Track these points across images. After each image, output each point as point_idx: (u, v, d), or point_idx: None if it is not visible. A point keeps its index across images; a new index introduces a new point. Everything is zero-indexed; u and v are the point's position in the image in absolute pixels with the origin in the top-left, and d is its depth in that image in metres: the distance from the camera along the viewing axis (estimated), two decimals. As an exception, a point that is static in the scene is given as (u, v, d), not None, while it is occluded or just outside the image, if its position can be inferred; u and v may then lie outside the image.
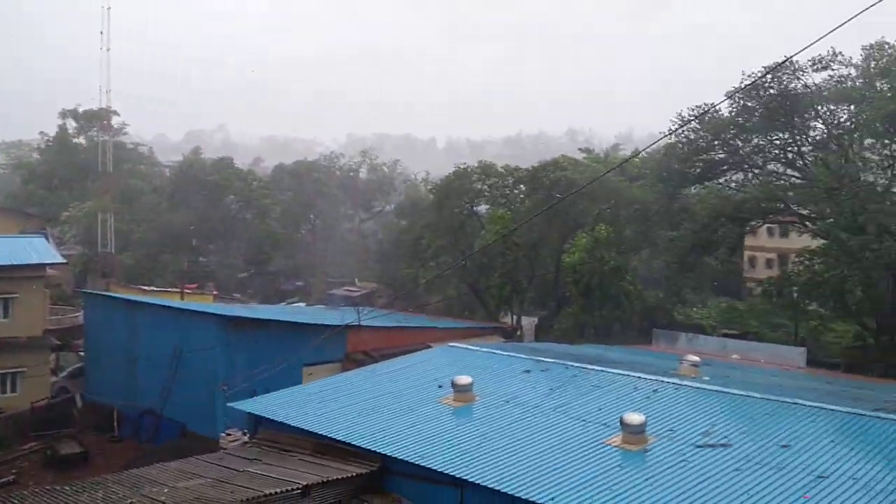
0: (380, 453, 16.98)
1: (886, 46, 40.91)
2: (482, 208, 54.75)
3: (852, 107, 42.14)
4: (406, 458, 16.43)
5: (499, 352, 25.89)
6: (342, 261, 71.69)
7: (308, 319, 35.05)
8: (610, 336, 43.65)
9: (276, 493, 15.15)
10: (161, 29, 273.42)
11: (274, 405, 20.89)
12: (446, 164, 77.62)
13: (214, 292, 58.27)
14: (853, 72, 42.26)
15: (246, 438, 21.75)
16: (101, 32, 62.48)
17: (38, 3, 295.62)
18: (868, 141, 42.30)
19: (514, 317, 48.30)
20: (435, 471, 15.79)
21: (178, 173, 74.48)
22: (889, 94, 37.33)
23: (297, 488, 15.51)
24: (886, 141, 40.26)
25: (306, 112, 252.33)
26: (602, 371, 22.34)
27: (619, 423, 16.80)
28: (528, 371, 22.72)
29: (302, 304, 56.14)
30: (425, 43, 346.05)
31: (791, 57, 40.95)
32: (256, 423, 20.67)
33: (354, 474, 16.61)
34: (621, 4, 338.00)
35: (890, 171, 41.08)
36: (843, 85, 42.15)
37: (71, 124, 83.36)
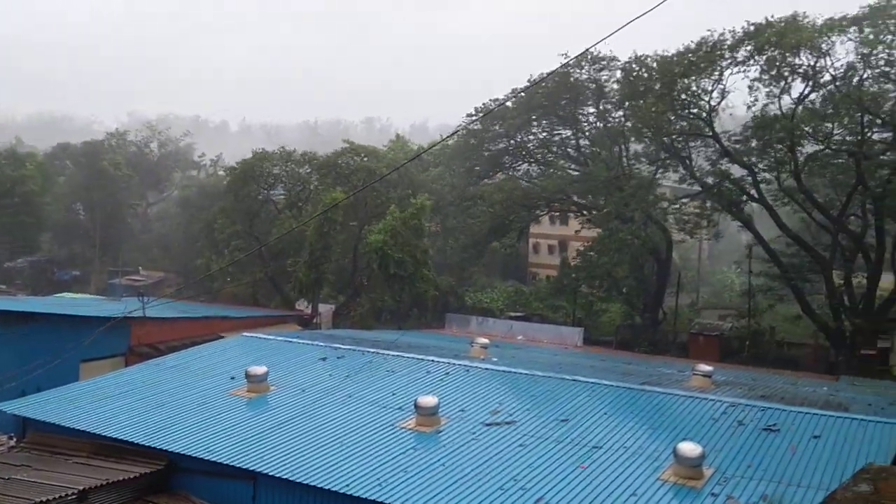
0: (166, 451, 16.21)
1: (648, 59, 44.81)
2: (277, 194, 53.70)
3: (622, 110, 46.14)
4: (195, 455, 15.81)
5: (294, 340, 25.61)
6: (126, 247, 67.23)
7: (85, 311, 32.52)
8: (406, 321, 44.60)
9: (49, 499, 13.98)
10: None
11: (46, 405, 19.22)
12: (239, 148, 75.06)
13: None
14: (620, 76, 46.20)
15: (12, 443, 19.85)
16: None
17: None
18: (636, 147, 46.55)
19: (312, 304, 47.90)
20: (226, 465, 15.35)
21: None
22: (647, 105, 41.03)
23: (73, 493, 14.42)
24: (647, 141, 44.37)
25: (81, 89, 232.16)
26: (397, 356, 22.79)
27: (413, 407, 17.25)
28: (324, 358, 22.68)
29: (78, 295, 52.00)
30: (215, 22, 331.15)
31: (581, 53, 43.83)
32: (25, 426, 18.93)
33: (138, 475, 15.72)
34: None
35: (654, 166, 45.34)
36: (612, 87, 46.05)
37: None
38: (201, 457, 15.72)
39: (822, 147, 39.28)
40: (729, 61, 39.53)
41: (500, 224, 46.15)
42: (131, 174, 71.48)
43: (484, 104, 45.92)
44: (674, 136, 42.58)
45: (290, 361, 22.43)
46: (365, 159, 49.70)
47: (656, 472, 14.35)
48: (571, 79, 45.67)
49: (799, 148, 39.23)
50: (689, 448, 14.10)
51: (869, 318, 38.79)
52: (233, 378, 20.51)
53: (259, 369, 19.85)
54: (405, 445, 15.93)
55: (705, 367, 23.33)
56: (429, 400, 17.17)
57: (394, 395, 19.08)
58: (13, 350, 27.55)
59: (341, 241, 47.54)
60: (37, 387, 22.89)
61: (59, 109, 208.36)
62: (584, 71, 46.18)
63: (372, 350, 23.69)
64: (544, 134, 48.47)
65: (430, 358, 22.54)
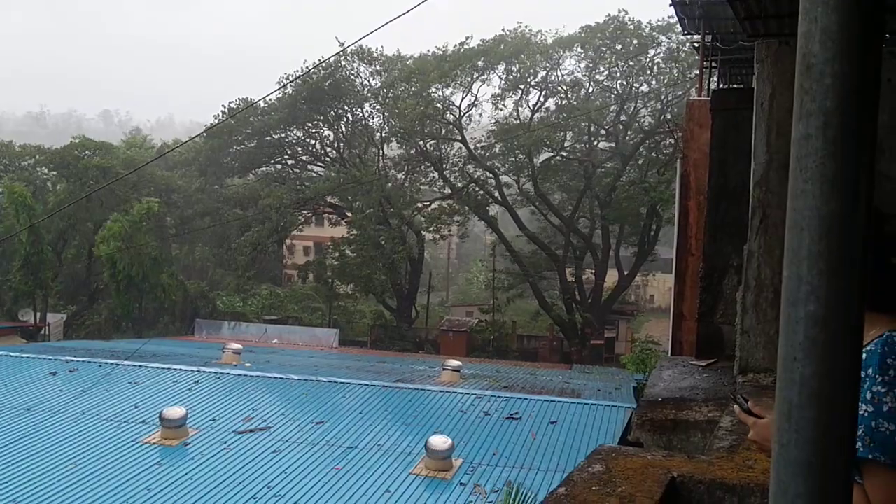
0: None
1: (408, 60, 46.07)
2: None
3: (379, 108, 46.99)
4: None
5: (16, 354, 22.93)
6: None
7: None
8: (152, 329, 41.86)
9: None
10: None
11: None
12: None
13: None
14: (381, 75, 47.00)
15: None
16: None
17: None
18: (394, 144, 47.62)
19: (38, 314, 43.29)
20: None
21: None
22: (404, 104, 42.27)
23: None
24: (404, 143, 45.67)
25: None
26: (140, 366, 21.26)
27: (158, 420, 16.17)
28: (54, 373, 20.55)
29: None
30: None
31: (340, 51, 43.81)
32: None
33: None
34: None
35: (406, 168, 46.69)
36: (373, 86, 46.77)
37: None
38: None
39: (554, 154, 42.93)
40: (470, 70, 41.91)
41: (274, 230, 44.82)
42: None
43: (241, 99, 44.19)
44: (426, 139, 44.18)
45: (11, 378, 20.05)
46: (97, 158, 45.65)
47: (409, 466, 14.70)
48: (339, 74, 45.42)
49: (536, 154, 42.49)
50: (438, 441, 14.61)
51: (596, 311, 43.03)
52: (-64, 401, 17.93)
53: (-28, 389, 17.54)
54: (149, 461, 14.88)
55: (454, 362, 24.36)
56: (175, 411, 16.19)
57: (136, 408, 17.76)
58: None
59: (74, 245, 43.52)
60: None
61: None
62: (348, 67, 46.13)
63: (111, 361, 21.88)
64: (300, 132, 47.85)
65: (178, 367, 21.29)
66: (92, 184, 41.43)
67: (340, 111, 47.18)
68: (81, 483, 13.85)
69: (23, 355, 22.67)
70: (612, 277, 45.60)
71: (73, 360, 21.73)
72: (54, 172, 47.29)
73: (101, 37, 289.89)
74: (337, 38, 47.00)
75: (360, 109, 47.61)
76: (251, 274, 46.17)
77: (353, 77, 46.44)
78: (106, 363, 21.59)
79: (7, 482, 13.86)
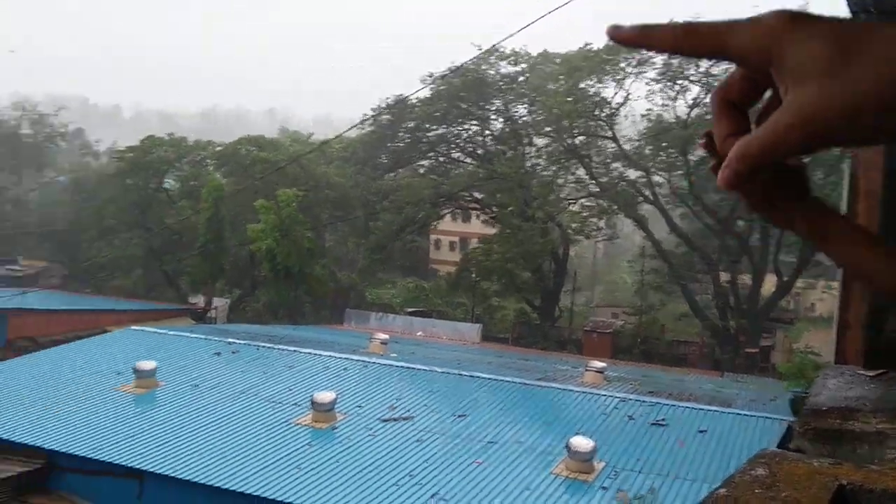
0: (44, 449, 15.32)
1: (553, 56, 45.75)
2: (171, 183, 51.83)
3: (527, 106, 46.94)
4: (75, 453, 15.02)
5: (186, 334, 24.73)
6: (2, 234, 63.29)
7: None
8: (304, 316, 43.88)
9: None
10: None
11: None
12: (132, 134, 71.75)
13: None
14: (528, 73, 46.97)
15: None
16: None
17: None
18: (541, 141, 47.38)
19: (207, 298, 46.48)
20: (110, 463, 14.65)
21: None
22: (553, 101, 41.99)
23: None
24: (552, 140, 45.31)
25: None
26: (294, 351, 22.36)
27: (309, 403, 16.93)
28: (217, 353, 22.00)
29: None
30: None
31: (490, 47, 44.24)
32: None
33: (14, 474, 14.80)
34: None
35: (556, 166, 46.29)
36: (519, 83, 46.77)
37: None
38: (83, 455, 14.95)
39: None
40: (627, 63, 40.87)
41: (408, 222, 46.16)
42: None
43: (395, 97, 45.53)
44: (575, 136, 43.64)
45: (181, 356, 21.65)
46: (262, 151, 48.47)
47: (549, 466, 14.60)
48: (481, 73, 46.04)
49: (691, 152, 40.93)
50: (581, 442, 14.41)
51: (752, 317, 40.90)
52: (119, 373, 19.60)
53: (147, 364, 19.06)
54: (300, 442, 15.63)
55: (598, 364, 23.95)
56: (325, 396, 16.90)
57: (290, 390, 18.70)
58: None
59: (239, 234, 46.30)
60: None
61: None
62: (494, 65, 46.64)
63: (268, 345, 23.16)
64: (450, 129, 48.66)
65: (328, 353, 22.23)
66: (257, 177, 43.92)
67: (488, 107, 47.58)
68: (239, 457, 14.75)
69: (192, 335, 24.42)
70: (769, 283, 43.20)
71: (234, 343, 23.15)
72: (223, 168, 50.48)
73: (271, 37, 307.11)
74: (473, 43, 47.19)
75: (508, 106, 47.78)
76: (378, 257, 47.35)
77: (498, 75, 46.77)
78: (263, 347, 22.86)
79: (175, 450, 14.98)
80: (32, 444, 15.50)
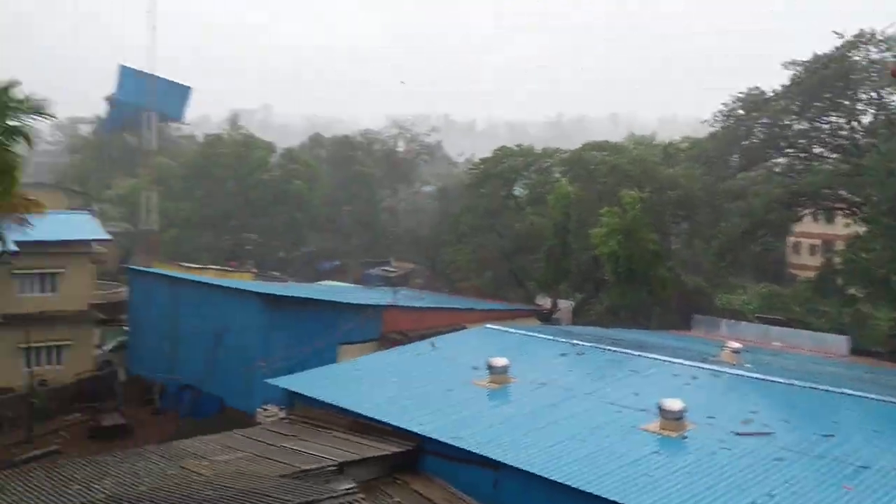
0: (414, 433, 16.97)
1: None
2: (520, 190, 54.53)
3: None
4: (441, 439, 16.40)
5: (535, 334, 25.78)
6: (378, 240, 71.80)
7: (344, 298, 35.23)
8: (648, 321, 43.18)
9: (312, 468, 15.26)
10: (198, 11, 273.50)
11: (310, 382, 21.06)
12: (485, 145, 76.97)
13: (253, 270, 58.89)
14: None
15: (282, 414, 22.00)
16: (148, 12, 63.38)
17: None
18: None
19: (552, 299, 48.03)
20: (470, 452, 15.75)
21: (201, 152, 72.92)
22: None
23: (334, 465, 15.61)
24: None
25: (345, 98, 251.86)
26: (639, 356, 22.10)
27: (656, 409, 16.58)
28: (564, 354, 22.58)
29: (339, 284, 56.50)
30: (468, 31, 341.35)
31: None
32: (292, 400, 20.87)
33: (390, 453, 16.65)
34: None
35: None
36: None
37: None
38: (447, 442, 16.27)
39: None
40: None
41: (758, 225, 43.06)
42: (377, 170, 75.87)
43: (749, 90, 42.87)
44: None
45: (530, 355, 22.62)
46: (607, 155, 48.86)
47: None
48: (848, 61, 41.42)
49: None
50: None
51: None
52: (475, 368, 21.06)
53: (501, 361, 20.19)
54: (648, 448, 15.37)
55: None
56: (674, 403, 16.39)
57: (636, 395, 18.50)
58: (284, 331, 30.48)
59: (583, 238, 47.10)
60: (303, 365, 25.19)
61: (329, 113, 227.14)
62: (863, 52, 41.72)
63: (613, 348, 23.20)
64: (809, 124, 44.42)
65: (676, 360, 21.60)
66: (601, 181, 44.32)
67: (856, 97, 42.52)
68: (588, 457, 14.94)
69: (539, 336, 25.41)
70: None
71: (580, 345, 23.58)
72: (568, 173, 51.75)
73: (610, 43, 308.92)
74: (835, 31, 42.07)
75: (880, 93, 42.24)
76: (724, 263, 44.47)
77: (866, 62, 41.56)
78: (609, 350, 22.95)
79: (528, 445, 15.66)
80: (404, 427, 17.28)
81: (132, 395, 34.02)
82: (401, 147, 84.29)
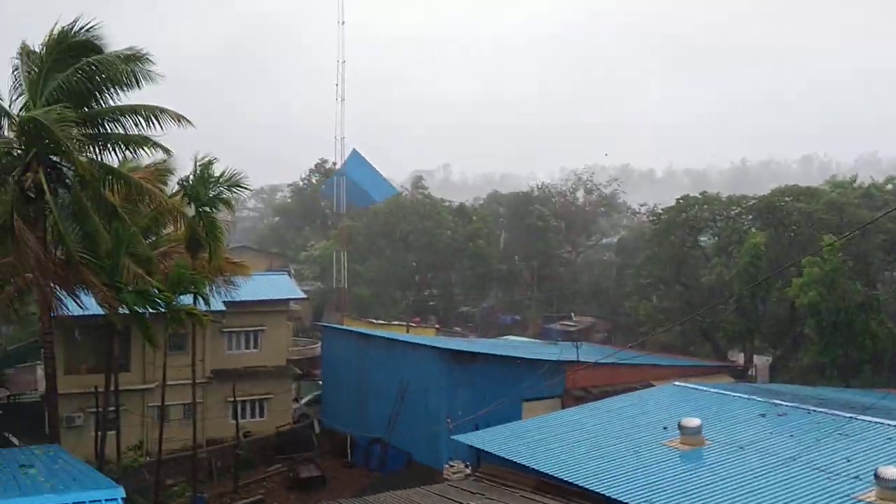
0: (603, 495, 16.51)
1: None
2: (706, 240, 52.42)
3: None
4: (631, 502, 15.82)
5: (729, 393, 24.38)
6: (558, 294, 71.38)
7: (526, 354, 35.20)
8: (857, 378, 39.56)
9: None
10: (378, 74, 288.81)
11: (495, 439, 21.12)
12: (664, 194, 74.98)
13: (436, 325, 60.38)
14: None
15: (468, 471, 22.18)
16: (336, 84, 67.99)
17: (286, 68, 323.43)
18: None
19: (745, 355, 45.35)
20: (663, 517, 15.09)
21: (383, 212, 76.19)
22: None
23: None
24: None
25: (520, 149, 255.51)
26: (850, 418, 20.25)
27: (872, 478, 15.09)
28: (763, 415, 21.17)
29: (519, 339, 56.63)
30: (643, 76, 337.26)
31: None
32: (479, 457, 21.01)
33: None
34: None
35: None
36: None
37: (315, 176, 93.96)
38: (636, 505, 15.68)
39: None
40: None
41: None
42: (557, 223, 75.78)
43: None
44: None
45: (724, 415, 21.41)
46: (799, 200, 45.88)
47: None
48: None
49: None
50: None
51: None
52: (665, 428, 20.24)
53: (693, 421, 19.29)
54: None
55: None
56: (893, 471, 14.85)
57: (848, 461, 16.93)
58: (467, 387, 30.88)
59: (776, 289, 44.31)
60: (486, 421, 25.34)
61: (504, 168, 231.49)
62: None
63: (819, 409, 21.43)
64: None
65: (891, 422, 19.58)
66: (793, 229, 41.66)
67: None
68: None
69: (734, 394, 24.00)
70: None
71: (781, 404, 22.01)
72: (757, 221, 49.12)
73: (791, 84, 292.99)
74: None
75: None
76: None
77: None
78: (815, 411, 21.24)
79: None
80: (592, 488, 16.84)
81: (326, 448, 35.68)
82: (579, 198, 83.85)
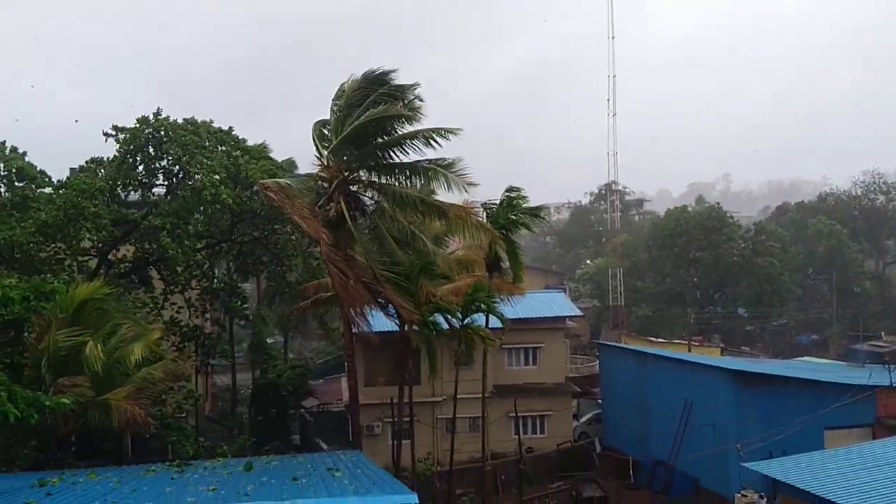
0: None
1: None
2: None
3: None
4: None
5: None
6: (864, 311, 64.04)
7: (828, 377, 31.87)
8: None
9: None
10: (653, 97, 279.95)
11: (794, 470, 19.38)
12: None
13: (721, 345, 57.16)
14: None
15: (763, 502, 20.61)
16: (608, 100, 67.30)
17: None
18: None
19: None
20: None
21: (662, 226, 73.14)
22: None
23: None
24: None
25: (812, 152, 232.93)
26: None
27: None
28: None
29: (819, 360, 51.66)
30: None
31: None
32: (775, 487, 19.42)
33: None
34: None
35: None
36: None
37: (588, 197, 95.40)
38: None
39: None
40: None
41: None
42: (855, 234, 68.14)
43: None
44: None
45: None
46: None
47: None
48: None
49: None
50: None
51: None
52: None
53: None
54: None
55: None
56: None
57: None
58: (758, 410, 28.64)
59: None
60: (782, 450, 23.36)
61: (791, 175, 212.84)
62: None
63: None
64: None
65: None
66: None
67: None
68: None
69: None
70: None
71: None
72: None
73: None
74: None
75: None
76: None
77: None
78: None
79: None
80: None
81: (607, 468, 35.18)
82: (882, 204, 74.96)
